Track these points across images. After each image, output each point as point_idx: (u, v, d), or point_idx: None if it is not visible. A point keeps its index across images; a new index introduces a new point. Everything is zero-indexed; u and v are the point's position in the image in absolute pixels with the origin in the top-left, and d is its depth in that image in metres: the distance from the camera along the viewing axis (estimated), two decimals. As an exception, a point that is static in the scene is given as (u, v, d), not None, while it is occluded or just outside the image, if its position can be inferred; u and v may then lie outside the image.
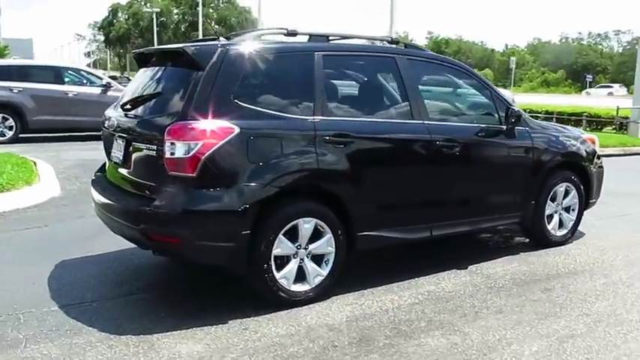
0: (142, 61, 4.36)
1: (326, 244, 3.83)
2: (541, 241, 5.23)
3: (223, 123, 3.46)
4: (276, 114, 3.71)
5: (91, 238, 5.08)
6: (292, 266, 3.74)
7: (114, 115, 4.20)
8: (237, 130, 3.46)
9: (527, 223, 5.07)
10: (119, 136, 4.00)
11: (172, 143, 3.41)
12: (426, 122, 4.30)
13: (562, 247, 5.26)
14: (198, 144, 3.38)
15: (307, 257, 3.79)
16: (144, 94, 4.02)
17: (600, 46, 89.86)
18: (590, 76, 63.68)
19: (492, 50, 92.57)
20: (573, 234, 5.43)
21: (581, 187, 5.34)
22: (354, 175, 3.87)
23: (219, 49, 3.64)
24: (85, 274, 4.28)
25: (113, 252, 4.74)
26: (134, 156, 3.79)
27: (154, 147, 3.55)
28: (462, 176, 4.55)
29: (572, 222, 5.39)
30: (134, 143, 3.77)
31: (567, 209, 5.34)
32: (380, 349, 3.23)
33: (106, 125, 4.28)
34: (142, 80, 4.22)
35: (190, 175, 3.41)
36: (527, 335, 3.43)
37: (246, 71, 3.67)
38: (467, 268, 4.61)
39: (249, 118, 3.56)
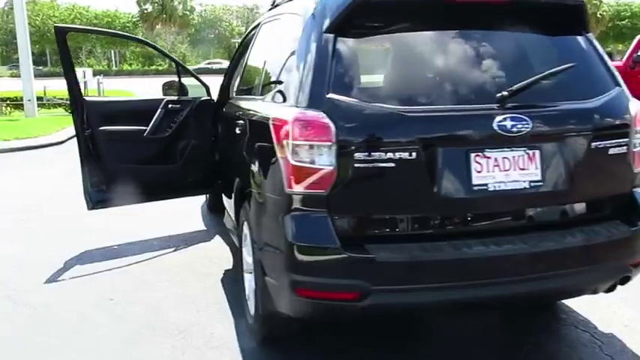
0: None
1: None
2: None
3: None
4: None
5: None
6: None
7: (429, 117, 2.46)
8: None
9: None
10: (516, 147, 2.48)
11: None
12: None
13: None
14: None
15: None
16: (494, 72, 2.62)
17: None
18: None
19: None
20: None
21: None
22: None
23: None
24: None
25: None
26: (569, 165, 2.56)
27: (613, 141, 2.62)
28: None
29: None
30: (594, 145, 2.59)
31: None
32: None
33: (421, 140, 2.40)
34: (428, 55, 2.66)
35: None
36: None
37: None
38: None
39: None
